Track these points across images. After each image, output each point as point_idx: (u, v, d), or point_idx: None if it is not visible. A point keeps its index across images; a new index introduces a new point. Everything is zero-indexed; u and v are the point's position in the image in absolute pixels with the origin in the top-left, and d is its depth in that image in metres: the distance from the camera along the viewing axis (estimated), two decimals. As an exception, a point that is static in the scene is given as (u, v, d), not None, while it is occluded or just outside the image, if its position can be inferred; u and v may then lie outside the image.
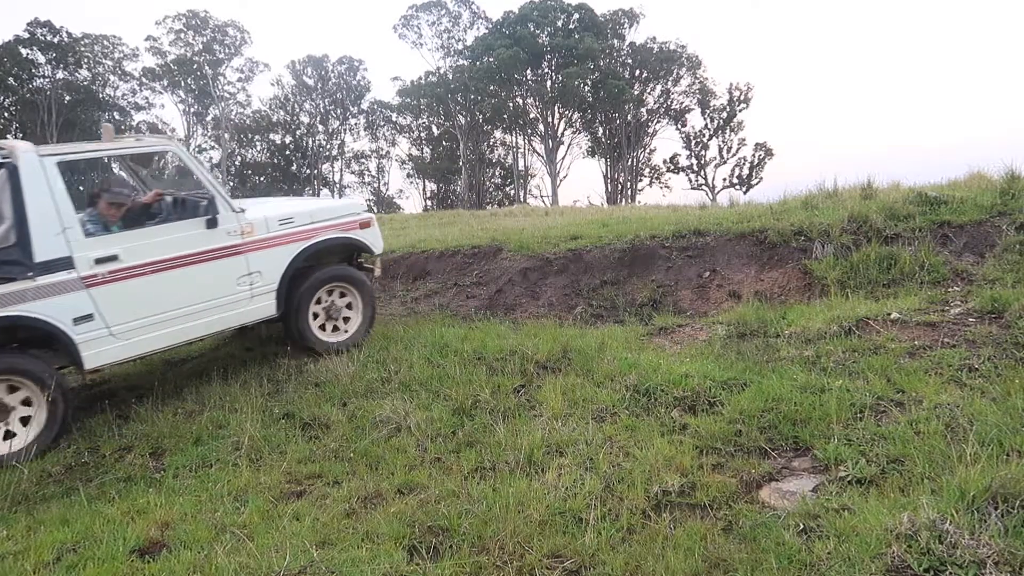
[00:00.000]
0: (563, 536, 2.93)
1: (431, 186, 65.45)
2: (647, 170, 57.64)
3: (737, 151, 53.93)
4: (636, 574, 2.67)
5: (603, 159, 56.62)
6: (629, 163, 56.04)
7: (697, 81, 54.00)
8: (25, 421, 4.64)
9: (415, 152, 65.01)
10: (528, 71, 51.82)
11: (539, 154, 55.66)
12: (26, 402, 4.67)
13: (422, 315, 7.33)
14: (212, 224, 5.24)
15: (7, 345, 4.71)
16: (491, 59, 50.05)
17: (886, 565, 2.34)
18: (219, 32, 61.49)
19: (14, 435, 4.60)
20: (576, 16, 51.17)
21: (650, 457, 3.50)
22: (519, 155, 58.40)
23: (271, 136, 65.97)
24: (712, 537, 2.84)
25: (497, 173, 62.27)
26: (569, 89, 50.12)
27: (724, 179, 54.49)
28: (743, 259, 7.12)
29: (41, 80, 56.30)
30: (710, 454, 3.57)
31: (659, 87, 54.64)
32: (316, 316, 5.98)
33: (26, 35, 54.96)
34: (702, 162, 55.17)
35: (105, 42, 59.69)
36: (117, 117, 62.51)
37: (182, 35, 60.58)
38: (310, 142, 65.85)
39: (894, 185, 8.47)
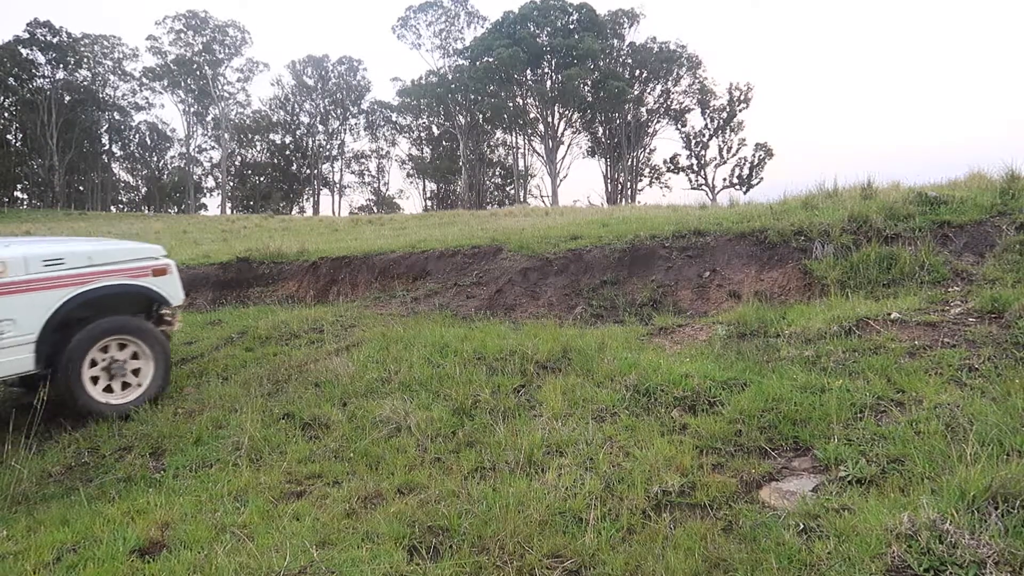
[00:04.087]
0: (563, 536, 2.93)
1: (431, 186, 65.46)
2: (647, 170, 57.69)
3: (737, 151, 54.00)
4: (636, 574, 2.66)
5: (603, 159, 56.65)
6: (629, 163, 56.04)
7: (697, 81, 54.06)
8: None
9: (415, 152, 65.02)
10: (528, 71, 51.82)
11: (539, 154, 55.67)
12: None
13: (422, 315, 7.33)
14: None
15: None
16: (491, 59, 50.05)
17: (886, 565, 2.34)
18: (219, 32, 61.49)
19: None
20: (576, 16, 51.18)
21: (650, 457, 3.50)
22: (519, 155, 58.42)
23: (271, 136, 65.99)
24: (712, 537, 2.83)
25: (497, 173, 62.29)
26: (569, 89, 50.12)
27: (724, 179, 54.57)
28: (743, 259, 7.12)
29: (41, 80, 56.32)
30: (710, 454, 3.57)
31: (659, 87, 54.71)
32: (95, 379, 5.14)
33: (26, 35, 54.96)
34: (702, 162, 55.19)
35: (105, 42, 59.70)
36: (117, 117, 62.57)
37: (182, 35, 60.60)
38: (310, 142, 65.84)
39: (894, 185, 8.47)
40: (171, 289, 5.68)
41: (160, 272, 5.62)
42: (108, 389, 5.20)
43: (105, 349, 5.18)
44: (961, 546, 2.31)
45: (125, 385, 5.27)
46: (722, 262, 7.21)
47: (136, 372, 5.34)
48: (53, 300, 4.91)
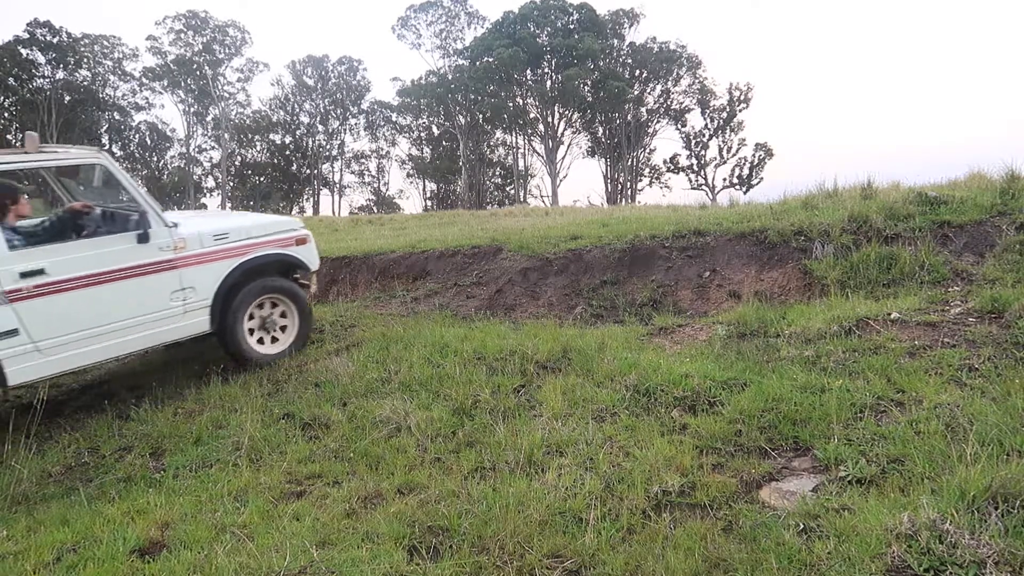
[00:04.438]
0: (563, 536, 2.93)
1: (431, 186, 65.44)
2: (647, 170, 57.67)
3: (737, 151, 53.98)
4: (636, 574, 2.67)
5: (603, 159, 56.64)
6: (629, 163, 56.04)
7: (697, 81, 54.05)
8: None
9: (415, 152, 65.00)
10: (528, 71, 51.83)
11: (539, 154, 55.68)
12: None
13: (422, 315, 7.33)
14: (144, 239, 5.15)
15: None
16: (491, 59, 50.06)
17: (886, 565, 2.34)
18: (219, 32, 61.48)
19: None
20: (576, 16, 51.18)
21: (650, 457, 3.50)
22: (519, 155, 58.43)
23: (271, 136, 65.97)
24: (712, 537, 2.83)
25: (497, 173, 62.28)
26: (569, 89, 50.13)
27: (724, 179, 54.53)
28: (743, 259, 7.12)
29: (41, 80, 56.29)
30: (710, 454, 3.57)
31: (659, 87, 54.69)
32: (252, 331, 5.95)
33: (26, 35, 54.93)
34: (702, 162, 55.19)
35: (105, 42, 59.67)
36: (117, 117, 62.56)
37: (182, 35, 60.58)
38: (310, 142, 65.83)
39: (894, 185, 8.46)
40: (310, 256, 6.34)
41: (301, 241, 6.30)
42: (260, 341, 6.06)
43: (261, 306, 6.02)
44: (961, 546, 2.32)
45: (274, 340, 6.16)
46: (722, 262, 7.21)
47: (283, 329, 6.19)
48: (222, 270, 5.64)
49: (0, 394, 5.43)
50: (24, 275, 4.65)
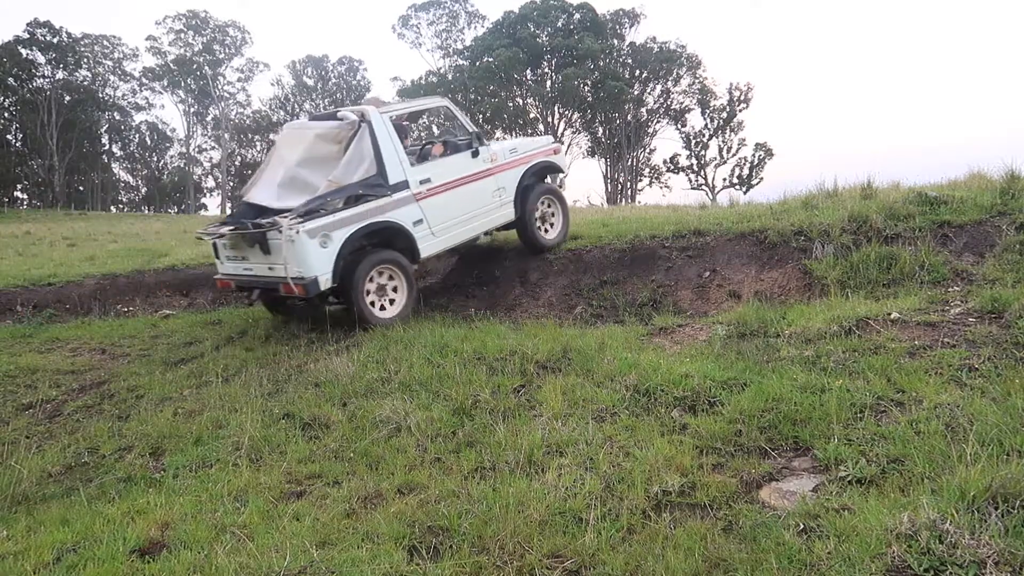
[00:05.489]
0: (563, 536, 2.93)
1: (431, 186, 65.33)
2: (647, 170, 57.64)
3: (737, 151, 53.97)
4: (636, 574, 2.66)
5: (603, 159, 56.61)
6: (629, 163, 56.03)
7: (697, 81, 54.02)
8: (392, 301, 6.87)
9: (415, 152, 64.85)
10: (528, 71, 51.81)
11: (539, 154, 55.46)
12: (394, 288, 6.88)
13: (422, 315, 7.33)
14: (475, 154, 7.44)
15: (372, 246, 6.73)
16: (491, 59, 50.05)
17: (886, 565, 2.34)
18: (219, 32, 61.50)
19: (390, 304, 6.82)
20: (576, 16, 51.16)
21: (650, 457, 3.50)
22: (519, 155, 58.18)
23: (271, 136, 65.90)
24: (712, 537, 2.83)
25: (497, 173, 62.13)
26: (569, 89, 50.12)
27: (724, 179, 54.49)
28: (743, 259, 7.12)
29: (41, 80, 56.27)
30: (710, 454, 3.57)
31: (659, 87, 54.67)
32: (539, 225, 8.25)
33: (26, 35, 54.92)
34: (702, 162, 55.17)
35: (105, 42, 59.67)
36: (117, 117, 62.55)
37: (182, 35, 60.59)
38: (310, 142, 65.61)
39: (894, 185, 8.47)
40: (562, 161, 8.83)
41: (556, 152, 8.59)
42: (545, 232, 8.37)
43: (541, 204, 8.28)
44: (961, 546, 2.31)
45: (546, 231, 8.37)
46: (722, 262, 7.21)
47: (552, 225, 8.47)
48: (518, 174, 7.91)
49: (415, 268, 7.33)
50: (421, 182, 6.96)
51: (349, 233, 6.38)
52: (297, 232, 6.07)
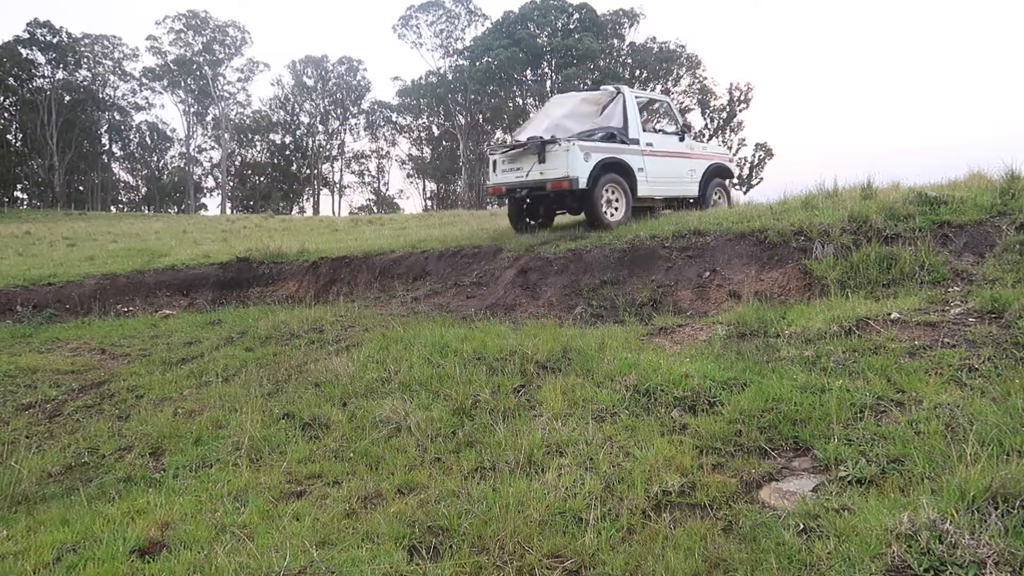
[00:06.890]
0: (563, 536, 2.93)
1: (431, 186, 65.45)
2: (647, 170, 57.56)
3: (737, 151, 53.96)
4: (636, 574, 2.66)
5: (603, 159, 56.48)
6: (629, 163, 55.91)
7: (697, 81, 54.06)
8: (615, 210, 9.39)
9: (415, 152, 65.00)
10: (528, 71, 51.81)
11: (539, 154, 55.48)
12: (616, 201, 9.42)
13: (422, 315, 7.33)
14: (681, 139, 10.38)
15: (610, 174, 9.20)
16: (491, 59, 50.05)
17: (886, 565, 2.34)
18: (219, 32, 61.50)
19: (616, 212, 9.31)
20: (576, 16, 51.16)
21: (650, 457, 3.50)
22: (519, 155, 58.19)
23: (271, 136, 65.97)
24: (712, 537, 2.83)
25: (497, 173, 62.10)
26: (569, 89, 50.09)
27: (724, 179, 54.42)
28: (743, 259, 7.12)
29: (41, 80, 56.28)
30: (710, 454, 3.57)
31: (659, 87, 54.65)
32: (709, 203, 10.64)
33: (26, 35, 54.92)
34: (702, 162, 55.07)
35: (105, 42, 59.69)
36: (117, 117, 62.58)
37: (182, 35, 60.60)
38: (310, 142, 65.82)
39: (894, 185, 8.46)
40: (732, 167, 11.86)
41: (730, 160, 12.04)
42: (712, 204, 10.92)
43: (715, 194, 11.01)
44: (961, 546, 2.31)
45: (714, 203, 10.81)
46: (722, 262, 7.21)
47: (718, 204, 10.90)
48: (704, 164, 10.67)
49: (632, 201, 9.60)
50: (647, 144, 9.86)
51: (601, 157, 9.06)
52: (573, 144, 8.86)
